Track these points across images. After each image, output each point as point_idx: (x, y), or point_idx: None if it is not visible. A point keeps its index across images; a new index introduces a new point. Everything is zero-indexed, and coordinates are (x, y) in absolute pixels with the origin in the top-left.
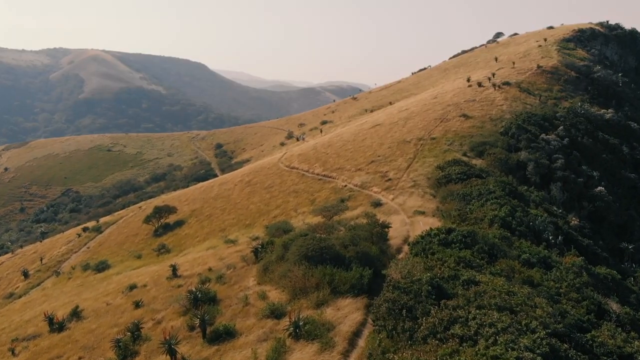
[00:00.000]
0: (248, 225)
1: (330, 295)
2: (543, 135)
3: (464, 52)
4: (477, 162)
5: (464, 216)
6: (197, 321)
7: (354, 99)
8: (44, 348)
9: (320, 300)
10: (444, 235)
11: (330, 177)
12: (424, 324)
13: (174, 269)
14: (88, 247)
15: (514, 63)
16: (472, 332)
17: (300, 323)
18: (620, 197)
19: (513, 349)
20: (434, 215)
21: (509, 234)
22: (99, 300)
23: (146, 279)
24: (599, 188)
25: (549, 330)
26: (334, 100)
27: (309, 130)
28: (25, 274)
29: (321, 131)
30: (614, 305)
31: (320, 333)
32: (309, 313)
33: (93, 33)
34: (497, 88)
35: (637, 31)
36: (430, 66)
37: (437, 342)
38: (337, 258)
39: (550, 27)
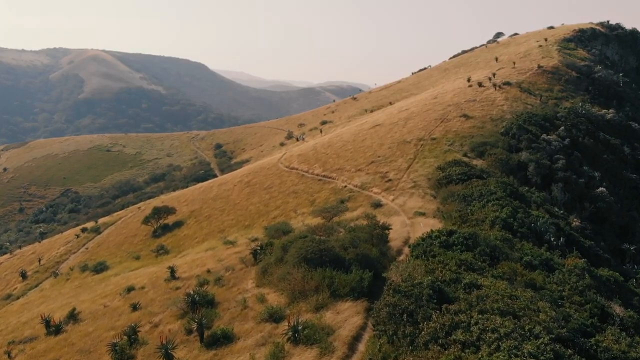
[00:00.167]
0: (247, 226)
1: (329, 299)
2: (544, 136)
3: (464, 52)
4: (478, 163)
5: (464, 217)
6: (194, 325)
7: (354, 99)
8: (40, 351)
9: (320, 303)
10: (445, 237)
11: (330, 177)
12: (425, 329)
13: (172, 270)
14: (86, 248)
15: (514, 63)
16: (475, 337)
17: (299, 327)
18: (621, 197)
19: (517, 356)
20: (434, 217)
21: (510, 236)
22: (97, 302)
23: (144, 281)
24: (601, 189)
25: (553, 336)
26: (334, 100)
27: (308, 130)
28: (24, 275)
29: (321, 131)
30: (617, 309)
31: (319, 337)
32: (308, 317)
33: (93, 33)
34: (497, 88)
35: (637, 31)
36: (430, 66)
37: (438, 348)
38: (337, 260)
39: (551, 27)
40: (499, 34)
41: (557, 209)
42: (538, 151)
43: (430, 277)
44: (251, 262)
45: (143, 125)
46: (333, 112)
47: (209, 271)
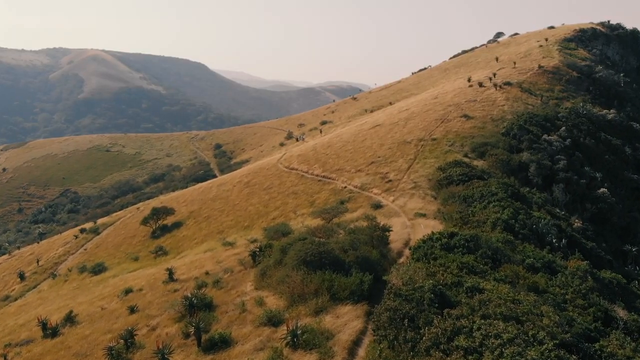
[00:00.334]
0: (246, 227)
1: (329, 302)
2: (545, 136)
3: (464, 52)
4: (479, 163)
5: (466, 219)
6: (191, 329)
7: (354, 99)
8: (36, 354)
9: (319, 307)
10: (446, 239)
11: (329, 178)
12: (426, 335)
13: (171, 272)
14: (85, 249)
15: (515, 63)
16: (477, 343)
17: (298, 332)
18: (623, 198)
19: None
20: (435, 218)
21: (512, 238)
22: (94, 304)
23: (142, 283)
24: (602, 190)
25: (557, 341)
26: (334, 100)
27: (308, 130)
28: (22, 276)
29: (321, 131)
30: (621, 312)
31: (318, 342)
32: (307, 321)
33: (93, 33)
34: (498, 88)
35: (638, 31)
36: (430, 66)
37: (440, 354)
38: (337, 263)
39: (551, 27)
40: (499, 34)
41: (558, 210)
42: (539, 152)
43: (431, 281)
44: (250, 264)
45: (143, 125)
46: (333, 112)
47: (207, 273)
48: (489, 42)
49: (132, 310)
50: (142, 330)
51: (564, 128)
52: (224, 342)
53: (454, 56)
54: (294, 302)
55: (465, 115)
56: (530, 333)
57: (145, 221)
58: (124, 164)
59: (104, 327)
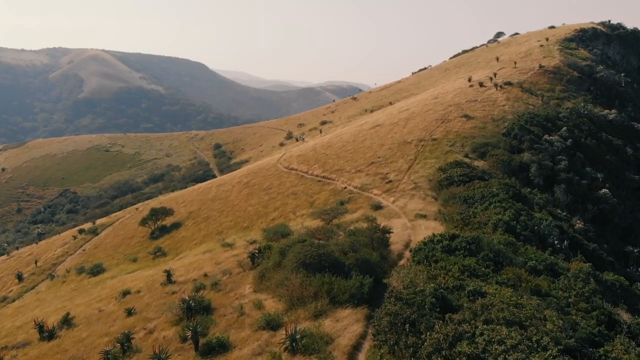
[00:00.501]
0: (246, 228)
1: (328, 305)
2: (546, 137)
3: (464, 51)
4: (480, 164)
5: (467, 220)
6: (189, 333)
7: (354, 99)
8: (32, 357)
9: (319, 310)
10: (447, 241)
11: (329, 178)
12: (428, 340)
13: (169, 274)
14: (84, 250)
15: (515, 63)
16: (480, 349)
17: (297, 336)
18: (624, 199)
19: None
20: (435, 219)
21: (514, 240)
22: (92, 306)
23: (140, 284)
24: (604, 190)
25: (561, 347)
26: (334, 100)
27: (308, 130)
28: (20, 277)
29: (321, 131)
30: (624, 315)
31: (318, 347)
32: (306, 325)
33: (93, 33)
34: (498, 88)
35: (639, 31)
36: (430, 66)
37: None
38: (336, 265)
39: (552, 27)
40: (499, 34)
41: (559, 211)
42: (540, 152)
43: (432, 284)
44: (249, 265)
45: (143, 125)
46: (333, 112)
47: (206, 275)
48: (489, 42)
49: (130, 312)
50: (139, 334)
51: (565, 128)
52: (221, 347)
53: (454, 56)
54: (293, 305)
55: (466, 116)
56: (534, 339)
57: (144, 222)
58: (124, 164)
59: (101, 329)
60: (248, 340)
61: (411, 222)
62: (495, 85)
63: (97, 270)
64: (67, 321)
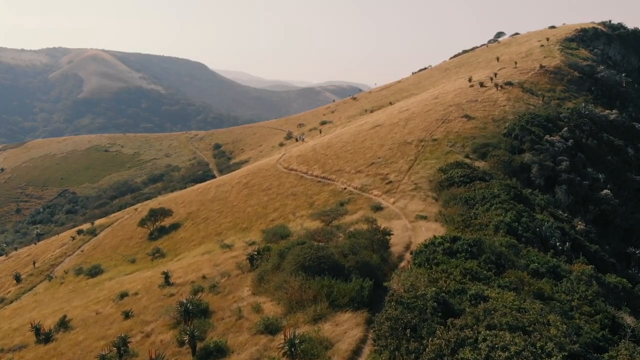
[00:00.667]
0: (245, 229)
1: (328, 309)
2: (547, 137)
3: (465, 51)
4: (480, 164)
5: (468, 222)
6: (186, 337)
7: (354, 99)
8: None
9: (318, 314)
10: (448, 244)
11: (329, 179)
12: (429, 346)
13: (167, 276)
14: (82, 251)
15: (516, 63)
16: (483, 356)
17: (296, 341)
18: (626, 200)
19: None
20: (436, 220)
21: (515, 242)
22: (89, 308)
23: (138, 286)
24: (605, 191)
25: (565, 353)
26: (334, 100)
27: (308, 130)
28: (18, 278)
29: (320, 132)
30: (628, 319)
31: (317, 352)
32: (305, 329)
33: (93, 33)
34: (499, 88)
35: (639, 31)
36: (430, 66)
37: None
38: (336, 268)
39: (552, 27)
40: (500, 34)
41: (561, 212)
42: (541, 152)
43: (434, 288)
44: (248, 267)
45: (142, 125)
46: (333, 112)
47: (204, 277)
48: (489, 41)
49: (127, 315)
50: (136, 337)
51: (566, 129)
52: (219, 351)
53: (455, 56)
54: (292, 308)
55: (466, 116)
56: (538, 345)
57: (142, 223)
58: (123, 164)
59: (98, 332)
60: (246, 345)
61: (412, 223)
62: (496, 85)
63: (95, 272)
64: (64, 324)
